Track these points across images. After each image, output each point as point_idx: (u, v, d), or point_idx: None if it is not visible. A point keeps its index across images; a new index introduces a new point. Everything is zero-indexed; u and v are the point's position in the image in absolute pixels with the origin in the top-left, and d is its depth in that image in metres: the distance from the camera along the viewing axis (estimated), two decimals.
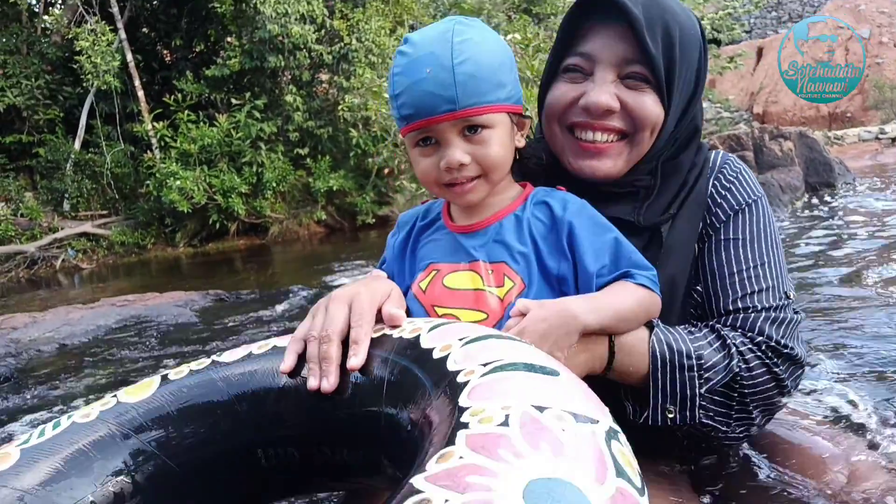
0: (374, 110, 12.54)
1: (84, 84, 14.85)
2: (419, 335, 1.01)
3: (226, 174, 14.57)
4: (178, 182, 13.87)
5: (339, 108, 14.14)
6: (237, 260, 14.48)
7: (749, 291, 1.33)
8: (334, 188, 14.88)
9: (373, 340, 1.07)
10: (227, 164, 14.81)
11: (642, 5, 1.26)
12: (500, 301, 1.23)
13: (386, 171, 13.76)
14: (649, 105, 1.31)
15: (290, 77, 15.21)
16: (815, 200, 9.71)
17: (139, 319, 7.71)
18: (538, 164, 1.36)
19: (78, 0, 14.85)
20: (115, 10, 14.95)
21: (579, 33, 1.35)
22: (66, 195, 15.36)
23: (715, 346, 1.29)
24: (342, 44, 14.72)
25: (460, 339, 0.94)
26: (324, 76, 15.71)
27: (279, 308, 8.32)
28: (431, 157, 1.23)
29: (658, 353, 1.25)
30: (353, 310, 1.10)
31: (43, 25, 15.96)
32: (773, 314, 1.32)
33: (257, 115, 14.75)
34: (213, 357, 1.15)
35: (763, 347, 1.29)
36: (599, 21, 1.31)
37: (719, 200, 1.40)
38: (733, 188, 1.41)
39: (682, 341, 1.27)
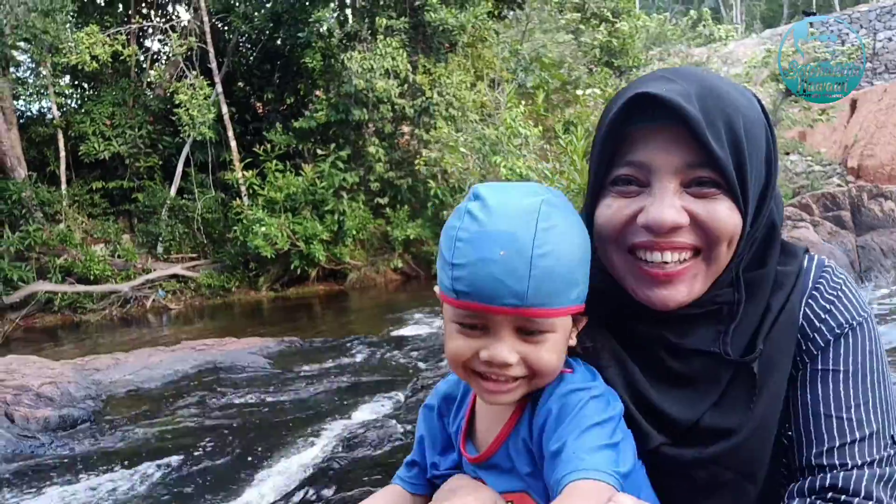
0: (449, 164, 12.76)
1: (182, 134, 15.79)
2: None
3: (308, 221, 15.07)
4: (263, 228, 14.44)
5: (417, 162, 14.47)
6: (316, 305, 14.84)
7: (849, 440, 1.11)
8: (411, 237, 15.14)
9: None
10: (311, 211, 15.33)
11: (696, 98, 1.07)
12: None
13: None
14: (724, 214, 1.09)
15: (373, 129, 15.69)
16: None
17: (214, 365, 7.96)
18: (596, 293, 1.16)
19: (180, 56, 15.88)
20: (214, 65, 15.92)
21: (627, 138, 1.13)
22: (160, 238, 16.23)
23: None
24: (424, 97, 15.12)
25: None
26: (405, 128, 16.15)
27: (347, 359, 8.48)
28: (471, 340, 1.05)
29: None
30: None
31: (148, 80, 17.12)
32: (879, 470, 1.11)
33: (341, 165, 15.26)
34: None
35: None
36: (650, 123, 1.10)
37: (817, 324, 1.17)
38: (833, 308, 1.18)
39: None
